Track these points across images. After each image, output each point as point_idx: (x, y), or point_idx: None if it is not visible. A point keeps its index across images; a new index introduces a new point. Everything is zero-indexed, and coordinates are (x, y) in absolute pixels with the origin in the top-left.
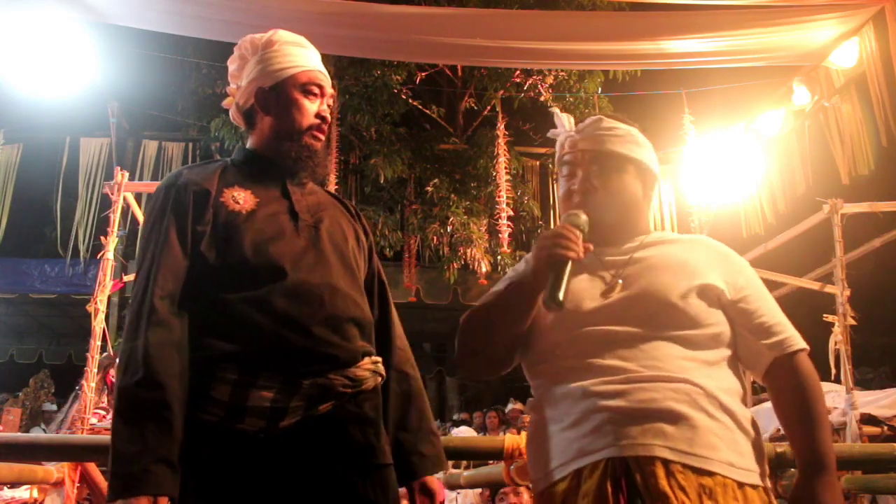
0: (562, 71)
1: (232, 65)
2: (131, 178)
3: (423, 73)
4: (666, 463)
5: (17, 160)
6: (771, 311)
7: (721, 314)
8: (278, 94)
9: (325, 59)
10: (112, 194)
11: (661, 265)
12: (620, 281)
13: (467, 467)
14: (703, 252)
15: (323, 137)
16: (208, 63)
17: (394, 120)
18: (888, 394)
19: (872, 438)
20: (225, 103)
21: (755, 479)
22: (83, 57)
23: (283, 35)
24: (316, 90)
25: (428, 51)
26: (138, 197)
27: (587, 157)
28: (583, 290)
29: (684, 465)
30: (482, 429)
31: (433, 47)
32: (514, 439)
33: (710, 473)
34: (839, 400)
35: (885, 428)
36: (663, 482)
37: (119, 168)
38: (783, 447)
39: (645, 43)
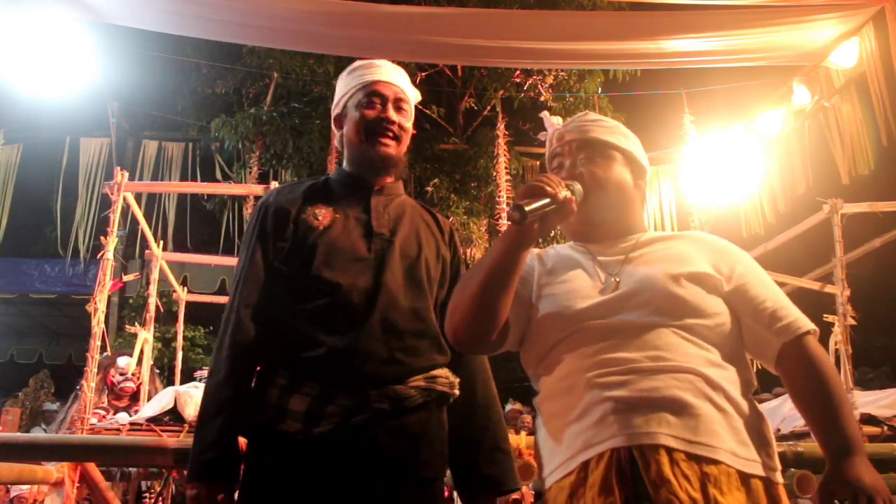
0: (562, 71)
1: None
2: (131, 178)
3: (423, 73)
4: (670, 451)
5: (17, 160)
6: (774, 297)
7: (722, 304)
8: (346, 112)
9: (325, 58)
10: (112, 194)
11: (655, 259)
12: (618, 280)
13: None
14: (697, 244)
15: (388, 140)
16: (208, 63)
17: None
18: (888, 394)
19: (872, 438)
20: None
21: (760, 469)
22: (83, 57)
23: (357, 64)
24: (376, 99)
25: (428, 51)
26: (138, 197)
27: (574, 146)
28: (580, 288)
29: (687, 454)
30: None
31: (433, 47)
32: (513, 439)
33: (715, 462)
34: None
35: (885, 428)
36: (667, 469)
37: (119, 168)
38: (783, 447)
39: (645, 43)
